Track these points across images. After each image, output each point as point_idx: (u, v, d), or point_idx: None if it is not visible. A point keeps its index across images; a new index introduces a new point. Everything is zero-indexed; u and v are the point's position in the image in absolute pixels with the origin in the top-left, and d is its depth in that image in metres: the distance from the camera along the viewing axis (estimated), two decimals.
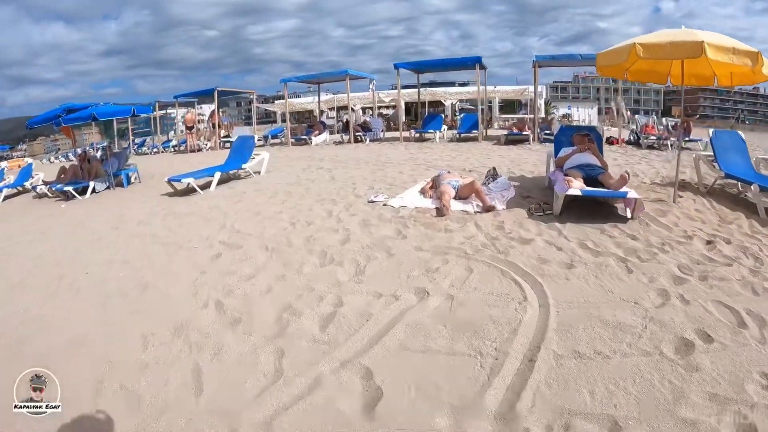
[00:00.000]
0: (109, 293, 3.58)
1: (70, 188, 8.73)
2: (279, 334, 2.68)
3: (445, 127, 14.75)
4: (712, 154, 6.20)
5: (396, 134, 17.00)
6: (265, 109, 45.15)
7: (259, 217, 5.41)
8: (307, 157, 11.01)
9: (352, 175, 7.80)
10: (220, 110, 20.96)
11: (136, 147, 21.85)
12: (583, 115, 41.14)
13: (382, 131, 15.72)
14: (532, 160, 9.06)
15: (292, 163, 10.18)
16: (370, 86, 17.17)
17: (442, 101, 32.78)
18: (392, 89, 38.72)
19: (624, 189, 4.76)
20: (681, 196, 5.40)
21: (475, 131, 13.54)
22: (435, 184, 5.97)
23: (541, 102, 32.57)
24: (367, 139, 14.21)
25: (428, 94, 30.82)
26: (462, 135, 13.56)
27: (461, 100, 38.42)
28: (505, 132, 12.67)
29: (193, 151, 16.95)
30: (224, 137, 18.22)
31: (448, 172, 6.33)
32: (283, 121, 35.94)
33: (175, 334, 2.81)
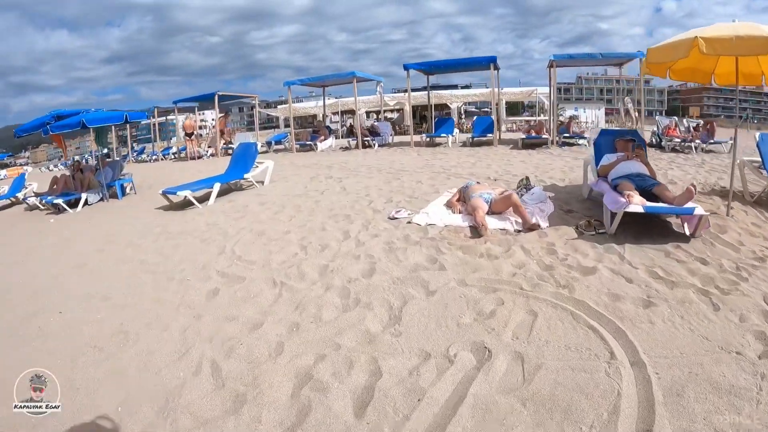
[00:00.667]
0: (81, 344, 2.87)
1: (60, 201, 8.07)
2: (298, 424, 1.95)
3: (456, 130, 14.02)
4: (759, 159, 5.64)
5: (405, 138, 16.33)
6: (267, 115, 44.49)
7: (264, 238, 4.68)
8: (313, 165, 10.30)
9: (365, 186, 7.08)
10: (221, 115, 20.34)
11: (135, 154, 21.23)
12: (591, 116, 40.47)
13: (391, 135, 15.01)
14: (558, 166, 8.34)
15: (298, 171, 9.48)
16: (378, 89, 16.45)
17: (448, 104, 32.11)
18: (395, 92, 38.14)
19: (690, 204, 4.03)
20: (732, 208, 4.69)
21: (490, 135, 12.81)
22: (463, 196, 5.27)
23: (548, 103, 31.96)
24: (376, 145, 13.49)
25: (434, 96, 30.17)
26: (475, 139, 12.84)
27: (467, 103, 37.84)
28: (523, 135, 11.93)
29: (193, 158, 16.30)
30: (226, 144, 17.61)
31: (477, 182, 5.62)
32: (287, 126, 35.34)
33: (160, 415, 2.10)
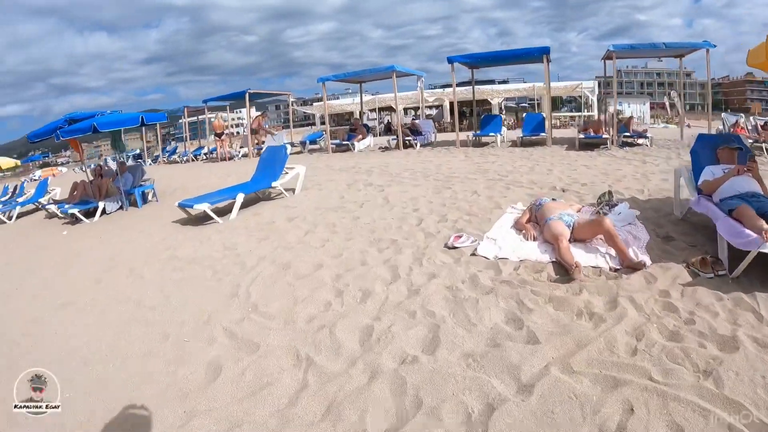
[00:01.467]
0: None
1: (75, 210, 7.40)
2: None
3: (504, 128, 12.72)
4: None
5: (447, 136, 15.11)
6: (304, 112, 43.84)
7: (290, 274, 3.68)
8: (351, 168, 9.30)
9: (412, 197, 6.01)
10: (259, 114, 19.69)
11: (167, 155, 20.88)
12: (637, 111, 38.02)
13: (434, 133, 13.84)
14: (629, 172, 7.06)
15: (333, 176, 8.50)
16: (419, 84, 15.25)
17: (489, 100, 30.62)
18: (433, 89, 36.83)
19: None
20: None
21: (542, 134, 11.49)
22: (534, 215, 4.17)
23: (593, 98, 29.95)
24: (418, 144, 12.37)
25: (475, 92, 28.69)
26: (525, 138, 11.55)
27: (506, 99, 36.12)
28: (580, 135, 10.52)
29: (224, 159, 15.65)
30: (259, 144, 16.93)
31: (553, 199, 4.48)
32: (322, 123, 34.65)
33: None
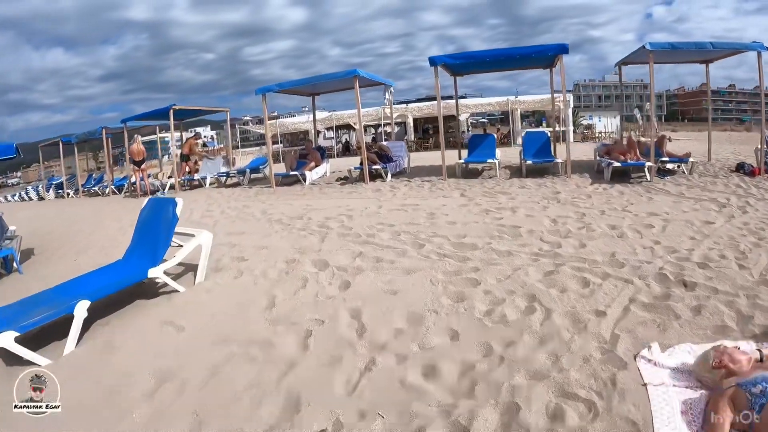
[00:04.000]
0: None
1: None
2: None
3: (498, 152, 9.97)
4: None
5: (418, 158, 12.20)
6: (258, 132, 39.74)
7: None
8: (297, 219, 6.24)
9: (409, 303, 3.08)
10: (191, 136, 16.29)
11: (91, 185, 16.94)
12: (608, 125, 36.84)
13: (407, 158, 10.97)
14: (720, 225, 4.53)
15: (267, 237, 5.42)
16: (386, 96, 12.25)
17: (454, 115, 28.27)
18: (394, 104, 34.24)
19: None
20: None
21: (554, 160, 8.87)
22: (732, 369, 1.39)
23: (568, 112, 28.16)
24: (389, 174, 9.48)
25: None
26: (530, 165, 8.89)
27: (474, 114, 34.03)
28: (615, 163, 7.84)
29: (145, 193, 12.23)
30: (191, 174, 13.70)
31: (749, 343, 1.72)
32: (276, 143, 31.06)
33: None
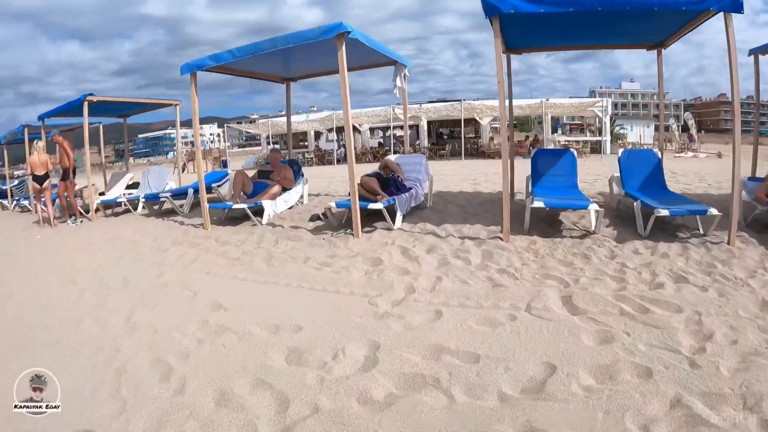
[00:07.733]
0: None
1: None
2: None
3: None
4: None
5: (443, 178, 7.95)
6: (247, 132, 35.35)
7: None
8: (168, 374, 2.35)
9: None
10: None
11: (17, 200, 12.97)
12: (643, 136, 32.73)
13: (428, 182, 7.00)
14: None
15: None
16: (397, 82, 7.27)
17: (477, 119, 24.33)
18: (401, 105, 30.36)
19: None
20: None
21: (706, 210, 4.72)
22: None
23: (606, 120, 24.10)
24: (398, 217, 5.50)
25: (458, 110, 22.20)
26: (641, 206, 4.86)
27: (495, 118, 29.84)
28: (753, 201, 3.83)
29: (47, 220, 8.32)
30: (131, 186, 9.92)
31: None
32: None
33: None
